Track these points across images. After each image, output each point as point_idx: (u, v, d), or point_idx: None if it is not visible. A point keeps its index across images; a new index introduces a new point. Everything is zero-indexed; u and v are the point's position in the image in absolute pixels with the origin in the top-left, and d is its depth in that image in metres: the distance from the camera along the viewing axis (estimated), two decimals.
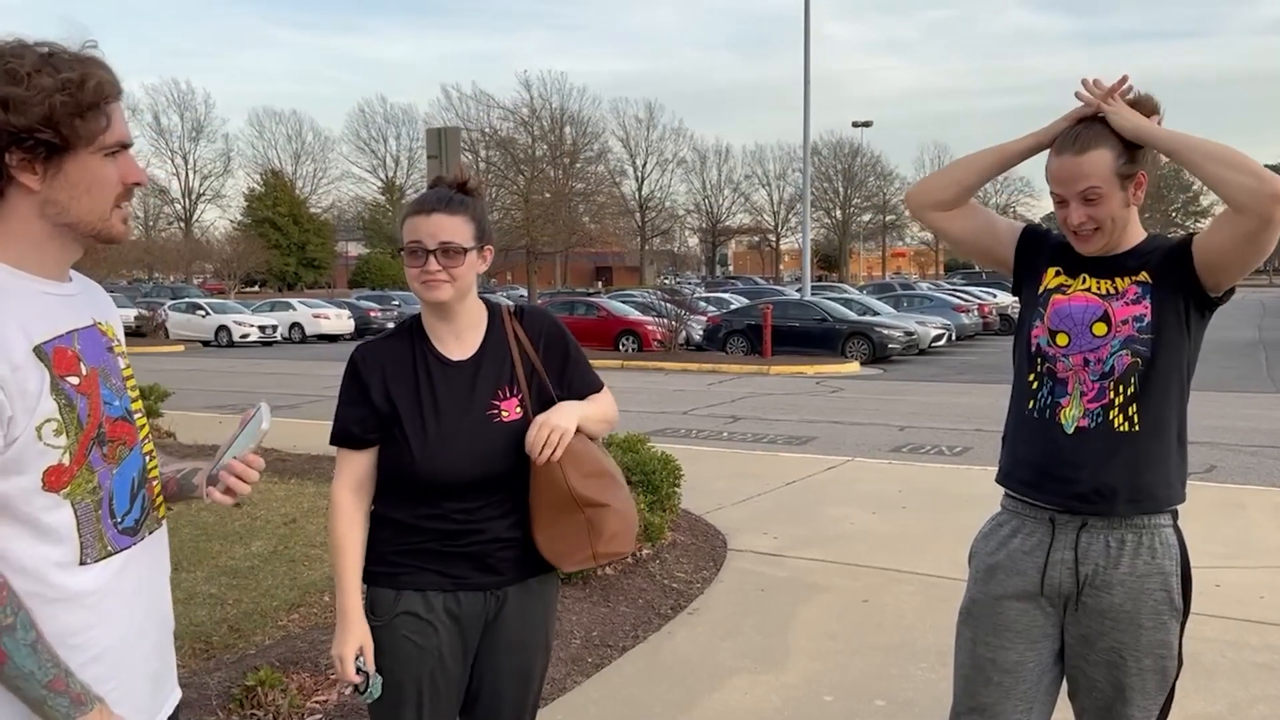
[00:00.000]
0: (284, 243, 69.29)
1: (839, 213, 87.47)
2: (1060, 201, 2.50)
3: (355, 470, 2.44)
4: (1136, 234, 2.55)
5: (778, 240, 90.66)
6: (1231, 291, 2.51)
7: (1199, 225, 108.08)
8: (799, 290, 32.79)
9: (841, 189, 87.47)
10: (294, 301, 39.10)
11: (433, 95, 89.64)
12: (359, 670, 2.36)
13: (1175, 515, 2.53)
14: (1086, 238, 2.50)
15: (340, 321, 36.54)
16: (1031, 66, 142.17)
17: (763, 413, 14.67)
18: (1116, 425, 2.46)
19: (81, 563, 1.68)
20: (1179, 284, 2.46)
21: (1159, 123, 2.48)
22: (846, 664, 4.79)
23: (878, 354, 23.79)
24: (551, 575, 2.59)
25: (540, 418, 2.39)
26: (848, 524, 7.46)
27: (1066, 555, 2.51)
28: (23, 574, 1.62)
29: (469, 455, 2.37)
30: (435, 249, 2.38)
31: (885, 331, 24.30)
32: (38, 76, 1.62)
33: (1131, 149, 2.44)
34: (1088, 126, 2.48)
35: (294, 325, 36.12)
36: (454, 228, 2.40)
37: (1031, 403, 2.57)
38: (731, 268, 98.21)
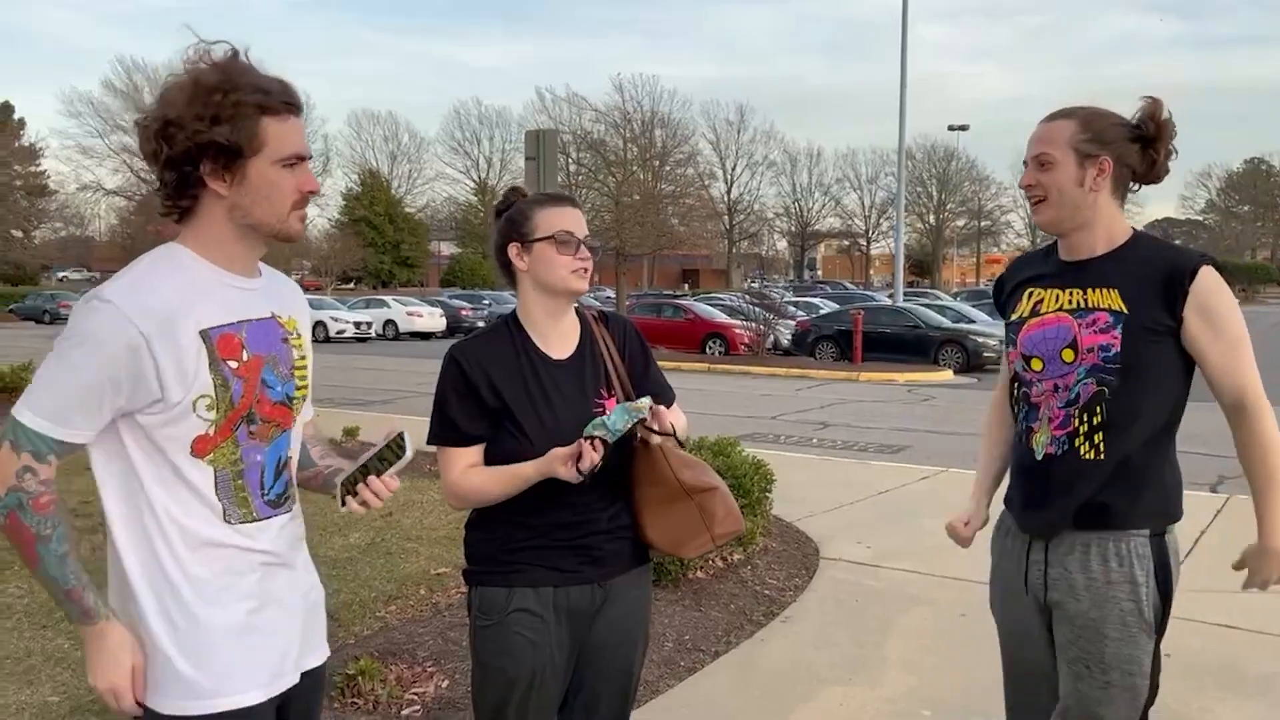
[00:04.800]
0: (379, 241, 70.64)
1: (932, 217, 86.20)
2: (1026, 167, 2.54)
3: (463, 463, 2.45)
4: (1114, 232, 2.48)
5: (868, 245, 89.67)
6: None
7: None
8: (890, 296, 32.41)
9: (936, 193, 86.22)
10: (388, 299, 39.90)
11: (526, 98, 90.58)
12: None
13: (1160, 530, 2.45)
14: (1036, 208, 2.51)
15: (433, 319, 37.11)
16: (1133, 71, 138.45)
17: (853, 420, 14.51)
18: (1083, 454, 2.44)
19: (226, 521, 1.94)
20: (1157, 326, 2.39)
21: (1166, 150, 2.47)
22: (944, 679, 4.70)
23: (972, 362, 23.31)
24: (648, 569, 2.62)
25: (660, 408, 2.44)
26: (942, 536, 7.14)
27: (1039, 556, 2.53)
28: (169, 517, 1.89)
29: None
30: (584, 240, 2.46)
31: (980, 339, 23.77)
32: (226, 94, 1.85)
33: (1097, 132, 2.44)
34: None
35: (388, 322, 36.78)
36: (586, 224, 2.48)
37: (1016, 425, 2.63)
38: (820, 272, 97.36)
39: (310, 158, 1.99)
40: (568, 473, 2.28)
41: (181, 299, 1.86)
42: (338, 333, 34.44)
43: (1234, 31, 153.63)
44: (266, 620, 1.99)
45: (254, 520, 1.98)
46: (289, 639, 2.05)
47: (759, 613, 5.53)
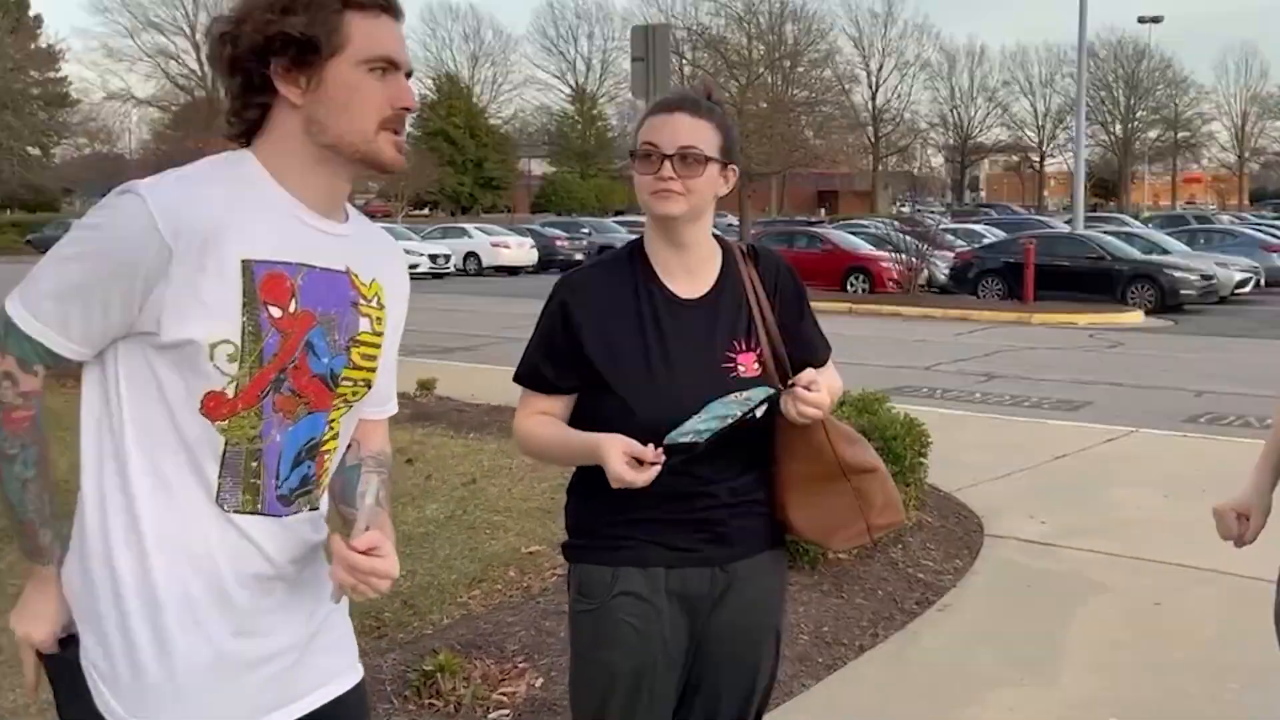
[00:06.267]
0: (458, 159, 71.35)
1: (1119, 128, 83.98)
2: None
3: (536, 408, 2.48)
4: None
5: (1042, 161, 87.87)
6: None
7: None
8: (1069, 222, 31.76)
9: (1123, 99, 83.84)
10: (469, 227, 40.31)
11: None
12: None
13: None
14: None
15: (522, 251, 37.35)
16: None
17: (1024, 370, 14.35)
18: None
19: (218, 504, 1.80)
20: None
21: None
22: (1136, 680, 4.64)
23: (1167, 301, 22.90)
24: (782, 552, 2.60)
25: (809, 375, 2.34)
26: (1133, 509, 7.20)
27: None
28: (147, 495, 1.77)
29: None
30: (673, 154, 2.36)
31: (1177, 274, 23.38)
32: None
33: None
34: None
35: (469, 255, 37.11)
36: (697, 132, 2.38)
37: None
38: (984, 194, 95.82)
39: (409, 71, 1.87)
40: (617, 470, 2.21)
41: (232, 215, 1.75)
42: (410, 267, 34.60)
43: None
44: (251, 647, 1.86)
45: (255, 513, 1.84)
46: (280, 667, 1.91)
47: (911, 600, 5.50)
